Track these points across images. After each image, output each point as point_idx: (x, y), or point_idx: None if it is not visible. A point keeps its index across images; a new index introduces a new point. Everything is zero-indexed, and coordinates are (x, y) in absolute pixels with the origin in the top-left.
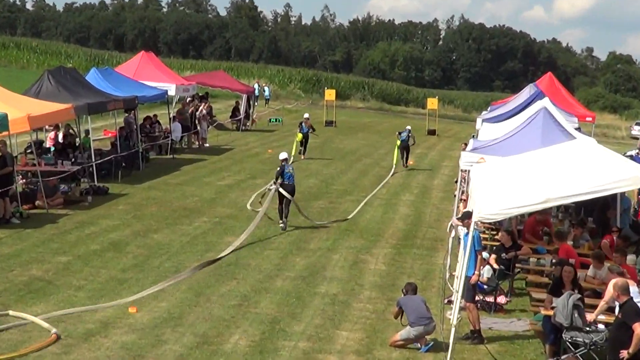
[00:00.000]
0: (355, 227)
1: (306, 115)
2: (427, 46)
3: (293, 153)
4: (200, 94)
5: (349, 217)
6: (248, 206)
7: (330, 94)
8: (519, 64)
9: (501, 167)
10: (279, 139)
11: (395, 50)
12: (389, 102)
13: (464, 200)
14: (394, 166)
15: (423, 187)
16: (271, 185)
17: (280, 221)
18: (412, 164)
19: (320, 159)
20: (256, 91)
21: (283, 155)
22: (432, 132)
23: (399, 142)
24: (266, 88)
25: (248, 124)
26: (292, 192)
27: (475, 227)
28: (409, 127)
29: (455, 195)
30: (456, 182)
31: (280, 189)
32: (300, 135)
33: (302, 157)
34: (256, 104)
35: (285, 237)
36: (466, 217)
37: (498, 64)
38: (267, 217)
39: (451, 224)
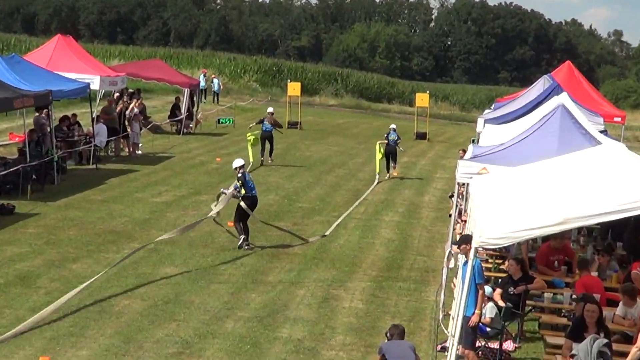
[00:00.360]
0: (326, 255)
1: (270, 109)
2: (415, 29)
3: (251, 160)
4: (130, 89)
5: (327, 232)
6: (212, 206)
7: (294, 88)
8: (530, 51)
9: (508, 179)
10: (230, 145)
11: (376, 34)
12: (367, 98)
13: (462, 221)
14: (377, 176)
15: (410, 204)
16: (226, 190)
17: (241, 240)
18: (396, 174)
19: (281, 169)
20: (202, 84)
21: (238, 162)
22: (421, 136)
23: (380, 148)
24: (215, 80)
25: (191, 125)
26: (254, 206)
27: (476, 254)
28: (394, 126)
29: (450, 215)
30: (451, 197)
31: (242, 203)
32: (254, 137)
33: (266, 160)
34: (203, 101)
35: (237, 267)
36: (464, 241)
37: (504, 51)
38: (226, 231)
39: (450, 252)
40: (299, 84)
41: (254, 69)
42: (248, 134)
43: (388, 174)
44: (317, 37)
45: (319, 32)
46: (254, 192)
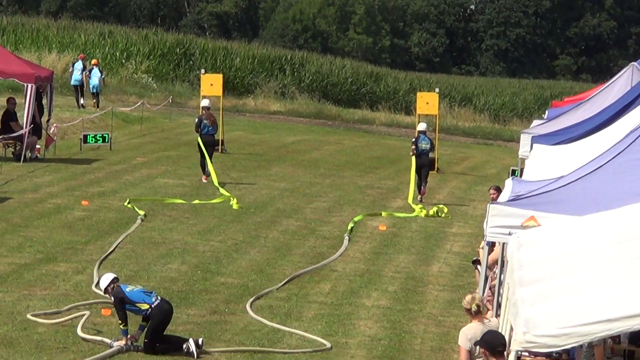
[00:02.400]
0: None
1: (205, 102)
2: None
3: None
4: None
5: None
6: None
7: (212, 84)
8: (608, 21)
9: (572, 237)
10: (105, 178)
11: None
12: (335, 100)
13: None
14: (346, 236)
15: (409, 279)
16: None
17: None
18: (383, 229)
19: (192, 219)
20: (77, 77)
21: (106, 280)
22: None
23: (413, 162)
24: (94, 70)
25: (39, 146)
26: (167, 320)
27: None
28: (423, 126)
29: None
30: (477, 266)
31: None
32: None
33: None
34: (81, 104)
35: None
36: (491, 344)
37: (565, 22)
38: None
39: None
40: (219, 76)
41: (143, 51)
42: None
43: (420, 198)
44: None
45: None
46: (154, 301)
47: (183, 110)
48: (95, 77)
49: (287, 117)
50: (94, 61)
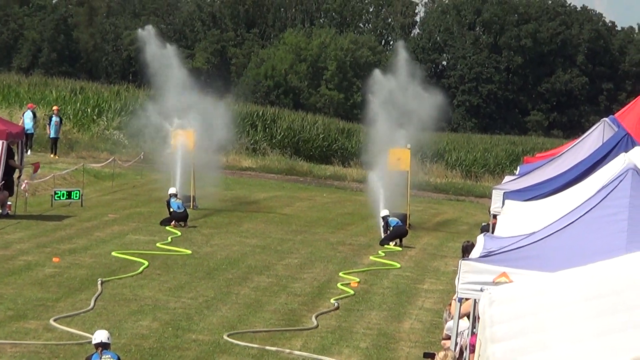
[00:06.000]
0: None
1: (172, 190)
2: (387, 38)
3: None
4: None
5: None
6: None
7: (184, 139)
8: (579, 77)
9: (544, 293)
10: (76, 235)
11: (321, 48)
12: (307, 156)
13: None
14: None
15: (380, 335)
16: None
17: None
18: (355, 286)
19: (163, 276)
20: (28, 126)
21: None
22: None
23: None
24: (52, 118)
25: (9, 203)
26: None
27: None
28: (386, 212)
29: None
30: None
31: None
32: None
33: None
34: (27, 152)
35: None
36: None
37: (537, 78)
38: None
39: None
40: (191, 132)
41: (114, 107)
42: None
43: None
44: (221, 52)
45: (225, 45)
46: None
47: (154, 166)
48: (52, 124)
49: (259, 173)
50: (55, 108)
